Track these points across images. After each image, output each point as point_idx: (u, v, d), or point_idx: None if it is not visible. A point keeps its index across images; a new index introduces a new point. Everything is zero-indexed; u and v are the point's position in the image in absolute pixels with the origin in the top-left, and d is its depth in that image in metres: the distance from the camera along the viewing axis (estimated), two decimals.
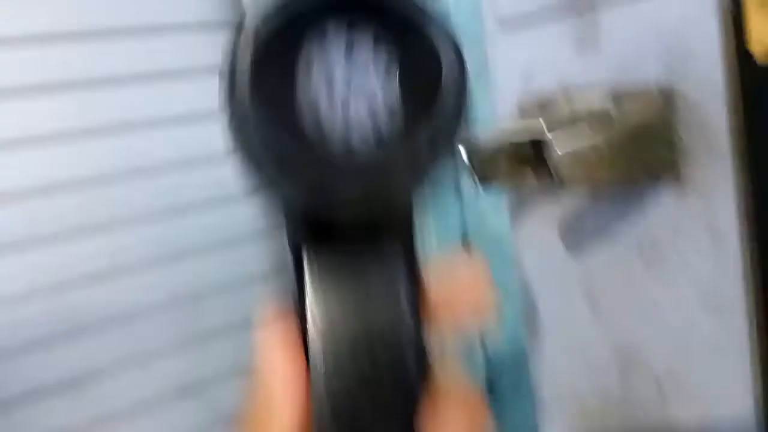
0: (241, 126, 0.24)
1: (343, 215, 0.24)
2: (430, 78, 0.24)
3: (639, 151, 0.49)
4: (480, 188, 0.54)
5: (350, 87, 0.25)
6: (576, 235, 0.57)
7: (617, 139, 0.49)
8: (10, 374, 0.99)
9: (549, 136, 0.50)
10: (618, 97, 0.51)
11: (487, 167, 0.53)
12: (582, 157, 0.48)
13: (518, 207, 0.63)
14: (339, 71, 0.25)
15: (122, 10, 1.11)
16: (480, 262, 0.25)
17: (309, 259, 0.25)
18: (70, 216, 1.06)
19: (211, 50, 1.19)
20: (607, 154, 0.48)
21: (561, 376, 0.63)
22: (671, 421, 0.55)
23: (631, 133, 0.49)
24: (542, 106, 0.56)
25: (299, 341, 0.24)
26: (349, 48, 0.25)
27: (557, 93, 0.56)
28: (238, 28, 0.24)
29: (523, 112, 0.58)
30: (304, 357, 0.24)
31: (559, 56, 0.55)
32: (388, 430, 0.25)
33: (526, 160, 0.54)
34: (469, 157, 0.53)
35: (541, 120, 0.50)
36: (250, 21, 0.25)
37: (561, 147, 0.48)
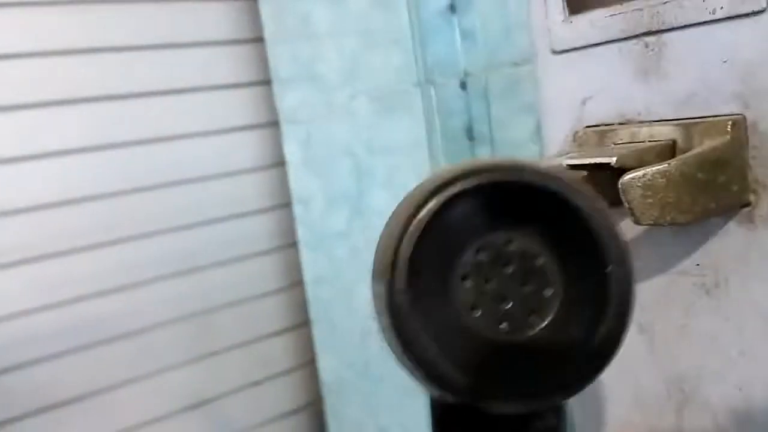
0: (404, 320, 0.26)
1: (501, 407, 0.27)
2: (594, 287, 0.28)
3: (708, 183, 0.48)
4: None
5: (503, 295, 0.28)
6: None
7: (685, 169, 0.48)
8: (23, 387, 0.97)
9: (617, 163, 0.49)
10: (686, 126, 0.50)
11: None
12: (650, 187, 0.47)
13: None
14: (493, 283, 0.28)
15: (144, 27, 1.10)
16: None
17: None
18: (83, 229, 1.04)
19: (231, 65, 1.18)
20: (675, 184, 0.47)
21: (608, 405, 0.62)
22: None
23: (700, 164, 0.48)
24: (601, 136, 0.55)
25: None
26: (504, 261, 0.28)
27: (617, 122, 0.55)
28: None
29: (581, 141, 0.57)
30: None
31: (620, 84, 0.54)
32: None
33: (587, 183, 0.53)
34: None
35: (612, 147, 0.49)
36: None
37: (631, 176, 0.47)
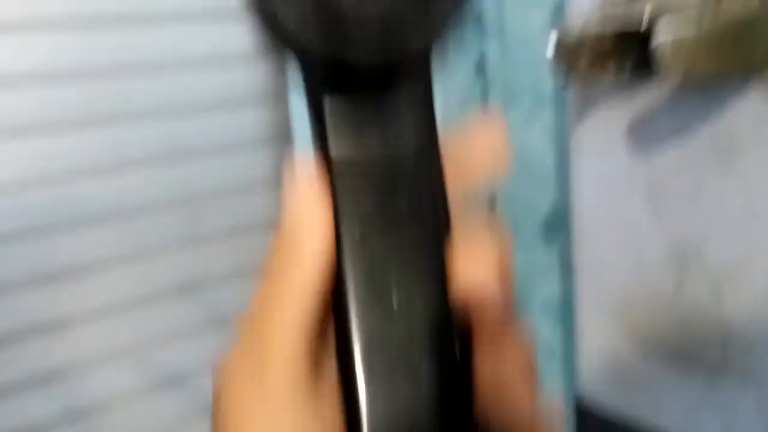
0: None
1: (359, 61, 0.24)
2: None
3: (737, 45, 0.49)
4: (564, 81, 0.53)
5: None
6: (645, 135, 0.57)
7: (717, 31, 0.48)
8: (10, 259, 0.97)
9: (650, 23, 0.49)
10: None
11: (573, 57, 0.52)
12: (682, 48, 0.48)
13: (584, 106, 0.63)
14: None
15: None
16: (498, 121, 0.26)
17: (330, 110, 0.25)
18: (73, 106, 1.02)
19: None
20: (706, 45, 0.48)
21: (608, 274, 0.64)
22: (724, 321, 0.57)
23: (728, 26, 0.49)
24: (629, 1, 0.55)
25: (325, 189, 0.25)
26: None
27: None
28: None
29: (611, 2, 0.57)
30: (329, 202, 0.24)
31: None
32: (416, 263, 0.25)
33: (610, 53, 0.54)
34: (556, 47, 0.52)
35: (647, 5, 0.49)
36: None
37: (665, 34, 0.47)
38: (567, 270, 0.89)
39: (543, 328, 0.97)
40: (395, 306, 0.24)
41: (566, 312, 0.91)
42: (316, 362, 0.24)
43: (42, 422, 1.04)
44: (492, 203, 1.00)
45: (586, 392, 0.70)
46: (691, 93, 0.54)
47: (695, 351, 0.59)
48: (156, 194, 1.12)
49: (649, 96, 0.55)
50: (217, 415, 0.25)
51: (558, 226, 0.90)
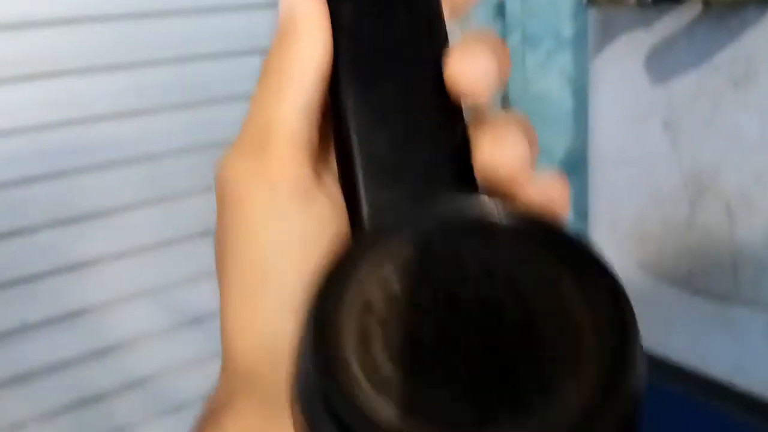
0: None
1: None
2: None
3: None
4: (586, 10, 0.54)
5: None
6: (664, 64, 0.58)
7: None
8: (38, 199, 0.99)
9: None
10: None
11: None
12: None
13: (604, 36, 0.64)
14: None
15: None
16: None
17: None
18: (99, 49, 1.03)
19: None
20: None
21: (624, 204, 0.66)
22: (737, 246, 0.58)
23: None
24: None
25: None
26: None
27: None
28: None
29: None
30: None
31: None
32: (410, 53, 0.24)
33: None
34: None
35: None
36: None
37: None
38: (582, 213, 0.91)
39: None
40: (392, 95, 0.23)
41: None
42: (316, 168, 0.24)
43: (69, 359, 1.07)
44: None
45: None
46: (709, 21, 0.55)
47: (706, 278, 0.61)
48: (179, 138, 1.14)
49: (668, 25, 0.55)
50: (220, 214, 0.24)
51: (574, 169, 0.91)
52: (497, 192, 0.22)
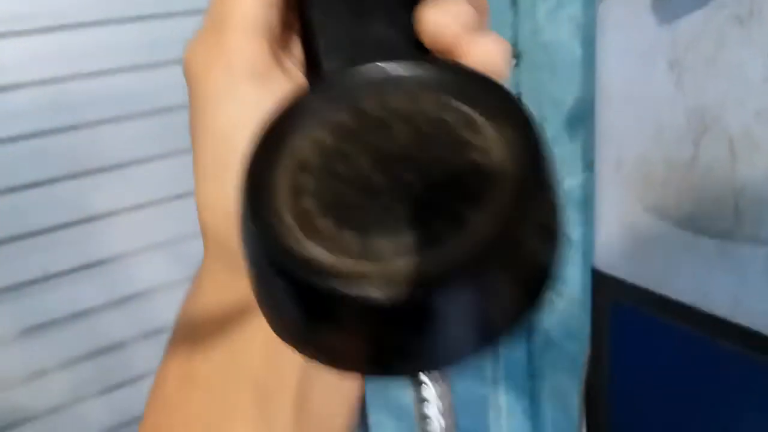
0: None
1: None
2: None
3: None
4: None
5: None
6: (670, 3, 0.59)
7: None
8: (60, 150, 1.01)
9: None
10: None
11: None
12: None
13: None
14: None
15: None
16: None
17: None
18: (117, 2, 1.04)
19: None
20: None
21: (627, 144, 0.67)
22: (738, 187, 0.59)
23: None
24: None
25: None
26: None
27: None
28: None
29: None
30: None
31: None
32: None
33: None
34: None
35: None
36: None
37: None
38: (589, 162, 0.92)
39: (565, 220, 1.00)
40: None
41: (587, 203, 0.94)
42: (277, 52, 0.25)
43: (89, 308, 1.10)
44: None
45: (602, 263, 0.74)
46: None
47: (708, 218, 0.62)
48: None
49: None
50: (189, 94, 0.25)
51: (582, 118, 0.92)
52: (443, 56, 0.23)
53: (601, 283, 0.72)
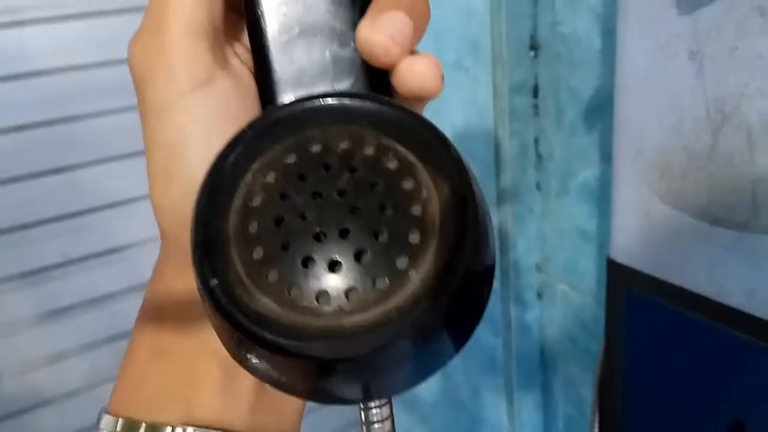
0: None
1: None
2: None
3: None
4: None
5: None
6: None
7: None
8: (86, 136, 1.03)
9: None
10: None
11: None
12: None
13: None
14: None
15: None
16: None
17: None
18: None
19: None
20: None
21: (646, 137, 0.67)
22: (756, 178, 0.60)
23: None
24: None
25: None
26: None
27: None
28: None
29: None
30: None
31: None
32: None
33: None
34: None
35: None
36: None
37: None
38: (606, 155, 0.92)
39: (580, 212, 1.01)
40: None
41: (604, 196, 0.94)
42: (219, 51, 0.25)
43: (109, 293, 1.11)
44: None
45: (618, 254, 0.74)
46: None
47: (725, 209, 0.62)
48: None
49: None
50: (138, 102, 0.25)
51: (600, 110, 0.92)
52: (378, 69, 0.24)
53: (617, 274, 0.73)
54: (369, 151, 0.21)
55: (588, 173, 0.95)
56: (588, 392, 1.08)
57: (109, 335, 1.13)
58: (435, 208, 0.19)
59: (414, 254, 0.19)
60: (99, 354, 1.13)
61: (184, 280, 0.25)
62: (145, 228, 1.12)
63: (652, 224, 0.68)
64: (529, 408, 1.25)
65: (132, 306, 1.05)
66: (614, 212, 0.73)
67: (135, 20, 0.88)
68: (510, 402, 1.25)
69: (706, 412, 0.73)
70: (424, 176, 0.20)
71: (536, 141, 1.04)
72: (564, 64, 0.93)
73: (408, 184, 0.20)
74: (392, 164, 0.20)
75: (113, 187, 1.08)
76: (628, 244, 0.72)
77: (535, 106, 1.02)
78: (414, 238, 0.19)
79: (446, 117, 1.07)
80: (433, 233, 0.19)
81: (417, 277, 0.19)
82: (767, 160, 0.58)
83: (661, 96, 0.64)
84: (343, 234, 0.20)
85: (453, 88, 1.03)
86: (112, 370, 1.16)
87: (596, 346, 0.96)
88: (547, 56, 0.96)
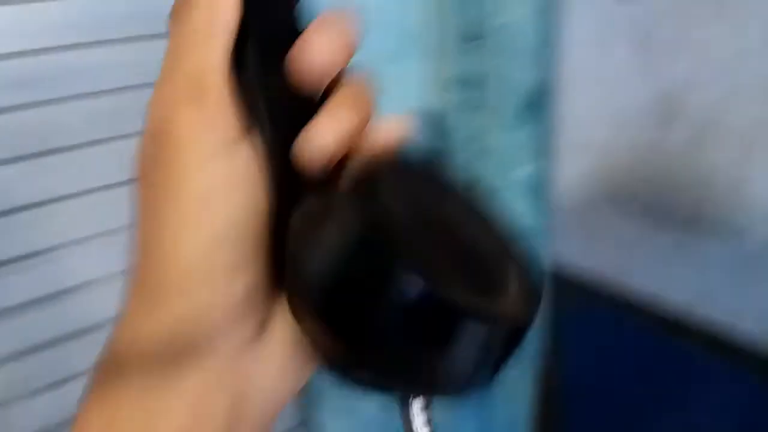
0: None
1: None
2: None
3: None
4: None
5: None
6: None
7: None
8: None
9: None
10: None
11: None
12: None
13: None
14: None
15: None
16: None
17: None
18: None
19: None
20: None
21: (589, 130, 0.65)
22: (701, 175, 0.58)
23: None
24: None
25: None
26: None
27: None
28: None
29: None
30: None
31: None
32: None
33: None
34: None
35: None
36: None
37: None
38: (546, 149, 0.90)
39: (520, 207, 0.98)
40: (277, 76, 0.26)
41: (544, 191, 0.92)
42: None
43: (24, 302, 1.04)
44: None
45: (562, 254, 0.71)
46: None
47: (669, 207, 0.60)
48: None
49: None
50: (156, 152, 0.26)
51: (540, 104, 0.90)
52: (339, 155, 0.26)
53: (558, 274, 0.70)
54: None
55: (527, 168, 0.93)
56: (527, 393, 1.06)
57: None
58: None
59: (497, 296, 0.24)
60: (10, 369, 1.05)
61: (152, 340, 0.25)
62: (66, 230, 1.05)
63: (594, 223, 0.66)
64: (465, 406, 1.23)
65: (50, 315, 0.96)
66: (555, 209, 0.70)
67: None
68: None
69: (646, 413, 0.71)
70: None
71: (475, 134, 1.01)
72: (504, 56, 0.90)
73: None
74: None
75: (35, 186, 1.00)
76: (570, 242, 0.69)
77: (474, 99, 0.99)
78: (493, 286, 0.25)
79: (380, 109, 1.03)
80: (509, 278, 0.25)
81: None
82: (713, 159, 0.56)
83: (604, 88, 0.62)
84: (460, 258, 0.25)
85: (390, 80, 0.99)
86: (26, 385, 1.07)
87: (537, 346, 0.94)
88: (487, 47, 0.93)
